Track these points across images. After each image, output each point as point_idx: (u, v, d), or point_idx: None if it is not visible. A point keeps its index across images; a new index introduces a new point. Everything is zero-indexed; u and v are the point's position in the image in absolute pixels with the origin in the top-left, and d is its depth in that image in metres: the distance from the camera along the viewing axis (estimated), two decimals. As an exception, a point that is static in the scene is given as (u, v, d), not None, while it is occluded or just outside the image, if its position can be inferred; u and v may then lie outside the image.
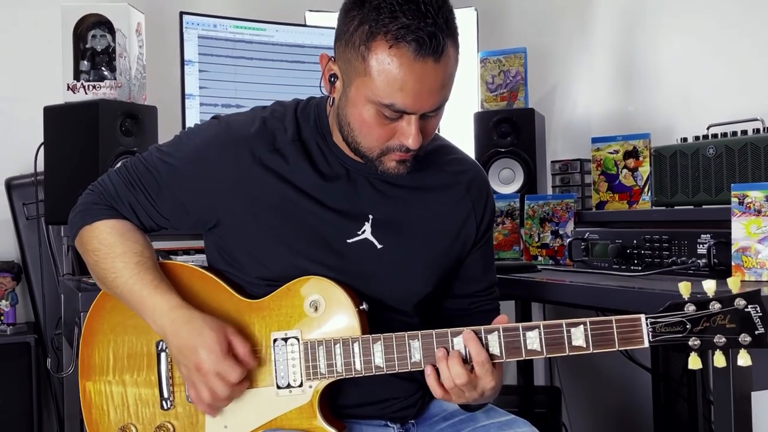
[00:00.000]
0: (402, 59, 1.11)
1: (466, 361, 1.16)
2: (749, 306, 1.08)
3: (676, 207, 1.93)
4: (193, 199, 1.28)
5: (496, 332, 1.16)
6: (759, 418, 1.38)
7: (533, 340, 1.15)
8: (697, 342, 1.09)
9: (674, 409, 2.20)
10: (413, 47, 1.10)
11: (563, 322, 1.14)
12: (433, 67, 1.12)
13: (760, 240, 1.43)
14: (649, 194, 2.05)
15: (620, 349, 1.13)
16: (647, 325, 1.10)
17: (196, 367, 1.17)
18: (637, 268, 1.67)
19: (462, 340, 1.16)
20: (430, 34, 1.10)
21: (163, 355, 1.27)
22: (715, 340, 1.09)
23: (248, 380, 1.21)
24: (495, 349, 1.16)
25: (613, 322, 1.12)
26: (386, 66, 1.12)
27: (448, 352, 1.16)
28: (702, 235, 1.55)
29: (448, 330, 1.18)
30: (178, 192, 1.28)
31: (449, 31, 1.13)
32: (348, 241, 1.26)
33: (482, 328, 1.17)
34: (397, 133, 1.18)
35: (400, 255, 1.28)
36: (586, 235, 1.80)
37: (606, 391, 2.65)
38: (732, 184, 1.51)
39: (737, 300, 1.08)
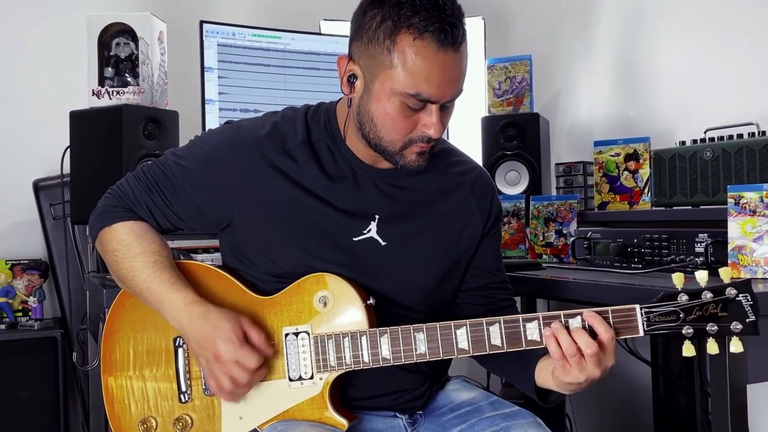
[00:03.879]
0: (426, 50, 1.15)
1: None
2: (740, 295, 1.10)
3: (674, 207, 1.95)
4: (207, 200, 1.30)
5: (497, 324, 1.18)
6: (754, 409, 1.40)
7: (533, 330, 1.17)
8: (690, 330, 1.11)
9: (673, 401, 2.19)
10: (436, 38, 1.15)
11: (561, 313, 1.15)
12: (453, 56, 1.17)
13: (755, 239, 1.45)
14: (649, 195, 2.06)
15: (617, 338, 1.13)
16: (642, 315, 1.12)
17: (215, 358, 1.20)
18: (637, 265, 1.68)
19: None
20: (451, 25, 1.15)
21: (180, 350, 1.30)
22: (707, 328, 1.11)
23: (266, 367, 1.24)
24: (496, 339, 1.18)
25: (609, 312, 1.14)
26: (411, 57, 1.15)
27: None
28: (700, 235, 1.56)
29: (451, 323, 1.20)
30: (192, 193, 1.30)
31: (462, 23, 1.18)
32: (354, 239, 1.28)
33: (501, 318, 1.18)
34: (419, 124, 1.22)
35: (404, 252, 1.30)
36: (589, 234, 1.81)
37: (608, 383, 2.55)
38: (728, 186, 1.53)
39: (729, 289, 1.10)
